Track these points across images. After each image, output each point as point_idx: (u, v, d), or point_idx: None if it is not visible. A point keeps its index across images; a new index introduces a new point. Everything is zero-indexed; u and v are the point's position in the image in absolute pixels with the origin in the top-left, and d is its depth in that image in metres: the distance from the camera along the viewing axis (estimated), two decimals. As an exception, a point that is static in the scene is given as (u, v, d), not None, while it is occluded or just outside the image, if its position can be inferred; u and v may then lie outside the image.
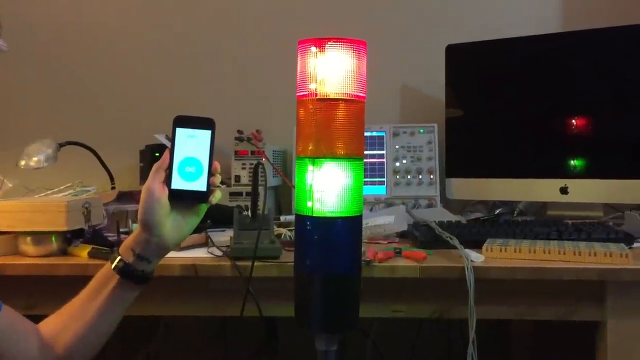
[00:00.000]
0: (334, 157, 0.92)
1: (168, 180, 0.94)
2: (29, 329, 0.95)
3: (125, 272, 0.94)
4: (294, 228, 1.05)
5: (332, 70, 0.92)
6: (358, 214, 0.95)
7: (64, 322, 0.96)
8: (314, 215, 0.93)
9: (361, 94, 0.94)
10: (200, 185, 0.94)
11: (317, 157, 0.92)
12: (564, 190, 1.59)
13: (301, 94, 0.94)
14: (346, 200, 0.93)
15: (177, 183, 0.94)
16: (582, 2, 1.88)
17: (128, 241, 0.96)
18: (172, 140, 0.94)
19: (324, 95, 0.92)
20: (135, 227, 0.96)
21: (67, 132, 1.77)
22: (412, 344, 1.82)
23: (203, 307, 1.22)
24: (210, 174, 0.95)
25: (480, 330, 1.06)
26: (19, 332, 0.93)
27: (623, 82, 1.55)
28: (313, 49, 0.91)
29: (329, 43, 0.91)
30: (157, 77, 2.01)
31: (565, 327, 1.41)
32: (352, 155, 0.93)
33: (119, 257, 0.95)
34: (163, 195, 0.92)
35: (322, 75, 0.91)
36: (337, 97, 0.92)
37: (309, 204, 0.93)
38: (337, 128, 0.92)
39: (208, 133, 0.95)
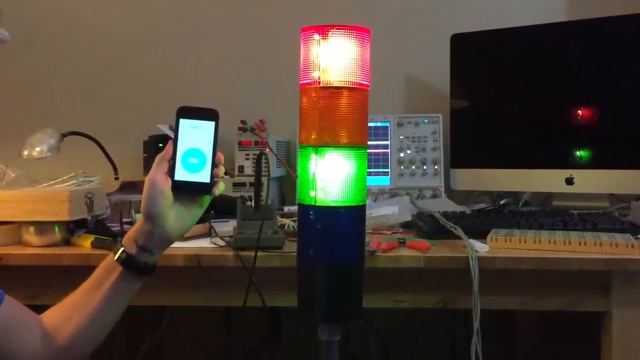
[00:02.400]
0: (337, 146, 0.91)
1: (171, 171, 0.93)
2: (31, 320, 0.95)
3: (128, 263, 0.94)
4: (297, 218, 1.05)
5: (335, 58, 0.90)
6: (361, 204, 0.95)
7: (66, 314, 0.96)
8: (317, 204, 0.92)
9: (365, 82, 0.93)
10: (204, 176, 0.94)
11: (320, 145, 0.91)
12: (569, 181, 1.58)
13: (304, 82, 0.93)
14: (350, 189, 0.92)
15: (181, 174, 0.93)
16: (589, -10, 1.86)
17: (131, 232, 0.96)
18: (176, 131, 0.94)
19: (327, 83, 0.91)
20: (138, 218, 0.96)
21: (70, 123, 1.77)
22: (416, 334, 1.82)
23: (206, 297, 1.22)
24: (214, 165, 0.94)
25: (484, 321, 1.05)
26: (21, 323, 0.93)
27: (629, 71, 1.53)
28: (316, 36, 0.90)
29: (332, 30, 0.90)
30: (160, 68, 2.00)
31: (569, 318, 1.41)
32: (356, 144, 0.92)
33: (121, 249, 0.94)
34: (166, 186, 0.92)
35: (325, 63, 0.90)
36: (341, 85, 0.91)
37: (312, 193, 0.92)
38: (340, 117, 0.91)
39: (212, 124, 0.94)
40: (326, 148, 0.91)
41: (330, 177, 0.92)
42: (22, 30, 1.92)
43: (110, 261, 0.95)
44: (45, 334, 0.94)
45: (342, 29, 0.90)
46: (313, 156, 0.92)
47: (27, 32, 1.95)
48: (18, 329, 0.92)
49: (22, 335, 0.93)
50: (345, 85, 0.91)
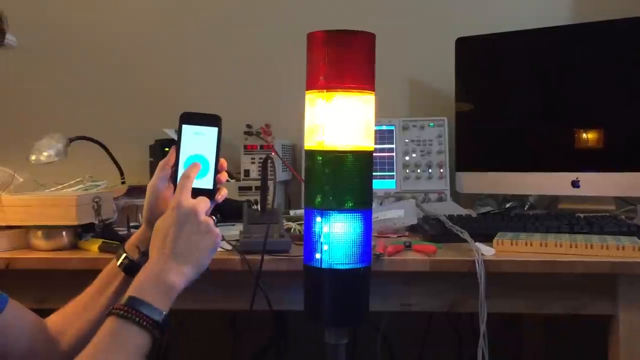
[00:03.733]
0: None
1: (174, 177, 0.93)
2: (35, 325, 0.95)
3: (130, 269, 0.94)
4: (303, 222, 1.06)
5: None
6: (368, 208, 0.95)
7: (69, 319, 0.96)
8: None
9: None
10: (207, 183, 0.94)
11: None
12: (575, 184, 1.57)
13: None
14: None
15: None
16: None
17: (133, 238, 0.96)
18: (178, 137, 0.94)
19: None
20: (145, 223, 0.97)
21: (77, 127, 1.77)
22: (423, 338, 1.81)
23: (213, 300, 1.23)
24: (217, 171, 0.94)
25: (490, 324, 1.05)
26: (24, 327, 0.93)
27: (635, 74, 1.53)
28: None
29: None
30: (166, 72, 2.01)
31: (577, 321, 1.40)
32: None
33: (124, 255, 0.95)
34: (168, 192, 0.92)
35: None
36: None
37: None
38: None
39: (215, 130, 0.94)
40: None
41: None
42: (29, 36, 1.92)
43: (113, 267, 0.95)
44: (48, 339, 0.95)
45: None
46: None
47: (33, 38, 1.96)
48: (21, 332, 0.93)
49: (25, 339, 0.93)
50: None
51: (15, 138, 1.90)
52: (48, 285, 1.22)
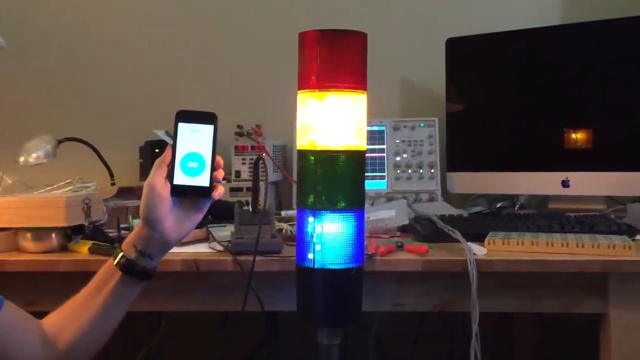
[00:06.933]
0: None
1: (170, 175, 0.92)
2: (31, 326, 0.95)
3: (127, 268, 0.94)
4: (295, 223, 1.05)
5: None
6: (360, 208, 0.95)
7: (66, 319, 0.95)
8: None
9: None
10: (203, 180, 0.93)
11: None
12: (565, 183, 1.58)
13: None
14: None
15: (180, 178, 0.93)
16: (583, -6, 1.87)
17: (130, 237, 0.95)
18: (175, 135, 0.93)
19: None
20: (136, 223, 0.96)
21: (66, 128, 1.76)
22: (415, 338, 1.82)
23: (204, 302, 1.22)
24: (213, 169, 0.94)
25: (482, 324, 1.06)
26: (21, 328, 0.93)
27: (625, 74, 1.54)
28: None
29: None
30: (156, 73, 2.00)
31: (568, 320, 1.41)
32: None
33: (121, 254, 0.94)
34: (165, 191, 0.92)
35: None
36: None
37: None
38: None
39: (210, 128, 0.94)
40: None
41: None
42: (17, 37, 1.91)
43: (110, 266, 0.95)
44: (45, 339, 0.94)
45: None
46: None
47: (22, 38, 1.95)
48: (18, 334, 0.92)
49: (22, 340, 0.92)
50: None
51: (3, 139, 1.89)
52: (37, 288, 1.21)
